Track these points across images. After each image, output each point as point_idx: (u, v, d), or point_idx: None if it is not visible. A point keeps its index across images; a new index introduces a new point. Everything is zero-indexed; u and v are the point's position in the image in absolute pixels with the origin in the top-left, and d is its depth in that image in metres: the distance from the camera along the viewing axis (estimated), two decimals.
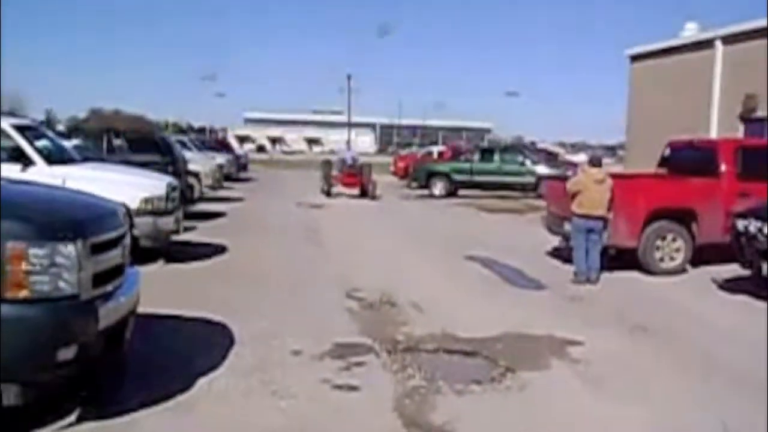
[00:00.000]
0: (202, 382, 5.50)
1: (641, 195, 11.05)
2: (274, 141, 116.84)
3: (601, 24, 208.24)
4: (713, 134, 19.45)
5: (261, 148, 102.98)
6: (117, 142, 15.73)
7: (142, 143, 16.10)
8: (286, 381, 5.62)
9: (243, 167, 35.94)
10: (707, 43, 20.47)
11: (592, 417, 5.18)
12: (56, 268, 4.23)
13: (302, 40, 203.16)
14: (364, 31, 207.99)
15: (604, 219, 10.18)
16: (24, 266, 4.12)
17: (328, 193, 24.65)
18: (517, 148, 35.05)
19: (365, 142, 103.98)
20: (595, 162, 10.67)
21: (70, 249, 4.29)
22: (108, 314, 4.58)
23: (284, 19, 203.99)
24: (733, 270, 10.35)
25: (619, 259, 11.04)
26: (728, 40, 19.76)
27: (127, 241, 5.26)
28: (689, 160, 12.24)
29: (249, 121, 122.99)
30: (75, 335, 4.31)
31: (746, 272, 9.83)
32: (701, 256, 11.25)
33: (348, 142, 33.47)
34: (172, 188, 10.61)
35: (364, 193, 24.68)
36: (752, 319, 8.36)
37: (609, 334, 7.47)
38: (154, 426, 4.66)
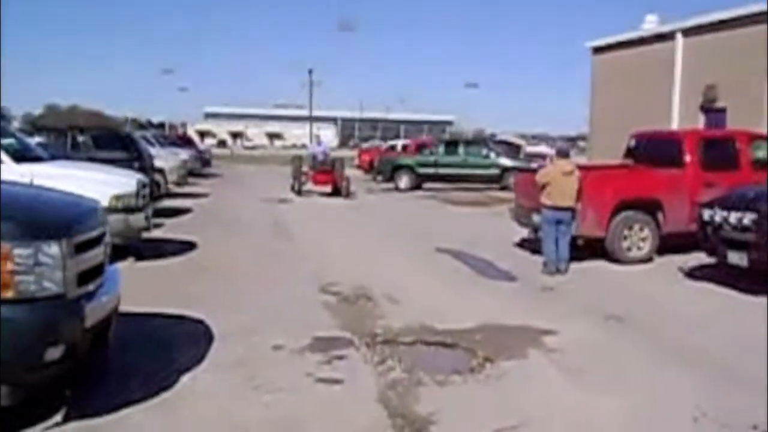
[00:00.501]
0: (185, 378, 5.52)
1: (609, 186, 11.25)
2: (235, 136, 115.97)
3: (560, 16, 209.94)
4: (674, 125, 19.82)
5: (222, 143, 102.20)
6: (81, 138, 15.55)
7: (107, 140, 15.94)
8: (270, 375, 5.66)
9: (206, 163, 35.69)
10: (668, 36, 20.84)
11: (570, 405, 5.30)
12: (41, 268, 4.22)
13: (263, 34, 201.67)
14: (326, 25, 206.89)
15: (572, 210, 10.34)
16: (9, 266, 4.10)
17: (298, 192, 23.13)
18: (481, 140, 35.28)
19: (327, 136, 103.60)
20: (563, 154, 10.82)
21: (54, 248, 4.28)
22: (93, 313, 4.58)
23: (245, 13, 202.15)
24: (697, 258, 10.60)
25: (588, 248, 11.22)
26: (689, 32, 20.14)
27: (108, 239, 5.25)
28: (654, 151, 12.47)
29: (209, 116, 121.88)
30: (62, 334, 4.31)
31: (711, 260, 10.07)
32: (666, 245, 11.47)
33: (318, 137, 31.34)
34: (142, 185, 10.55)
35: (337, 191, 23.03)
36: (719, 307, 8.59)
37: (582, 324, 7.61)
38: (142, 423, 4.67)
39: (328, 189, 23.27)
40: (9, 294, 4.10)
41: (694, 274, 10.26)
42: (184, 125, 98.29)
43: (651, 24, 23.03)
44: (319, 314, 7.83)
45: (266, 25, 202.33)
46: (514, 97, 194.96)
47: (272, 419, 4.81)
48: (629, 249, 11.09)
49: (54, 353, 4.26)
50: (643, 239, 11.12)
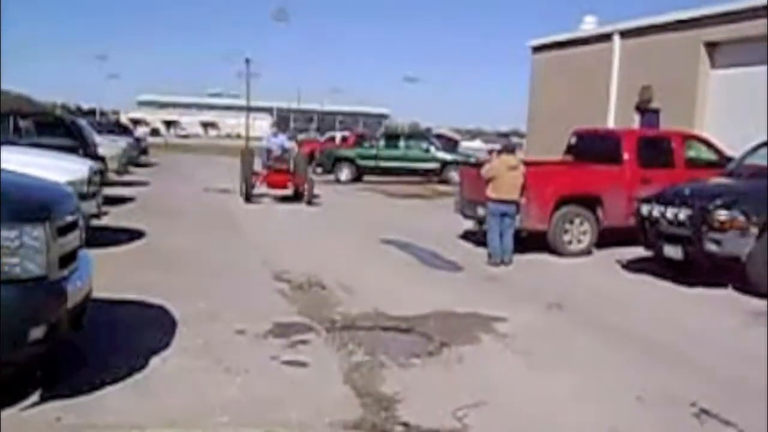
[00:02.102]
0: (155, 361, 5.65)
1: (551, 181, 11.68)
2: (169, 124, 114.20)
3: (499, 15, 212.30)
4: (611, 123, 20.48)
5: (155, 132, 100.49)
6: (23, 124, 15.29)
7: (50, 126, 15.70)
8: (237, 359, 5.83)
9: (143, 151, 35.21)
10: (606, 37, 21.49)
11: (525, 383, 5.68)
12: (25, 250, 4.33)
13: (198, 23, 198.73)
14: (261, 14, 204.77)
15: (516, 203, 10.73)
16: None
17: (247, 198, 18.22)
18: (421, 134, 35.70)
19: (262, 126, 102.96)
20: (509, 149, 11.20)
21: (38, 231, 4.40)
22: (72, 295, 4.70)
23: (180, 1, 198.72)
24: (634, 252, 11.13)
25: (529, 241, 11.63)
26: (626, 34, 20.82)
27: (81, 224, 5.35)
28: (594, 148, 12.98)
29: (142, 104, 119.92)
30: (45, 315, 4.43)
31: (647, 254, 10.59)
32: (605, 239, 11.98)
33: (275, 126, 24.17)
34: (93, 172, 10.53)
35: (297, 195, 18.86)
36: (656, 296, 9.13)
37: (528, 311, 7.99)
38: (120, 402, 4.80)
39: (285, 192, 19.10)
40: None
41: (631, 266, 10.78)
42: (116, 113, 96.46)
43: (590, 25, 23.70)
44: (275, 301, 8.03)
45: (201, 13, 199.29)
46: (449, 92, 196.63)
47: (247, 399, 4.99)
48: (570, 242, 11.55)
49: (37, 333, 4.38)
50: (584, 233, 11.60)
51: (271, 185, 19.00)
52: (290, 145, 20.30)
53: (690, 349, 6.73)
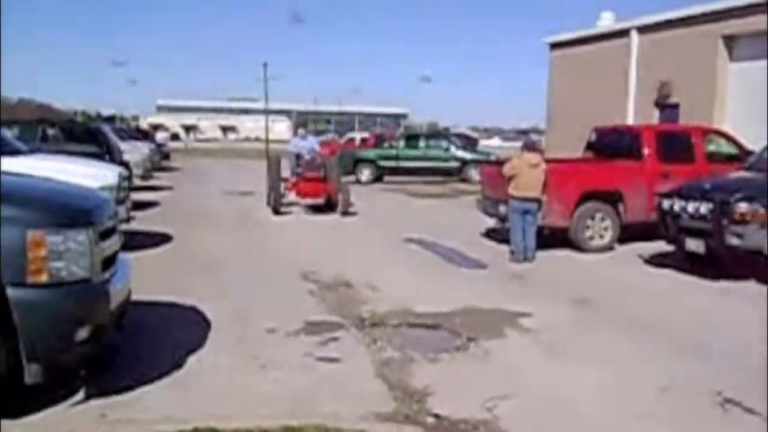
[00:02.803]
0: (192, 359, 5.86)
1: (572, 178, 11.78)
2: (188, 129, 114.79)
3: (514, 11, 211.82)
4: (630, 120, 20.52)
5: (175, 136, 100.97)
6: (51, 132, 15.62)
7: (77, 134, 16.03)
8: (271, 355, 6.03)
9: (165, 156, 35.62)
10: (623, 33, 21.53)
11: (553, 375, 5.81)
12: (71, 254, 4.53)
13: (216, 27, 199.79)
14: (278, 18, 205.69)
15: (538, 201, 10.85)
16: (43, 252, 4.40)
17: (275, 209, 16.18)
18: (441, 134, 35.81)
19: (281, 129, 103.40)
20: (530, 147, 11.31)
21: (82, 235, 4.60)
22: (115, 296, 4.91)
23: (196, 6, 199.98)
24: (655, 247, 11.22)
25: (552, 238, 11.74)
26: (643, 29, 20.85)
27: (120, 228, 5.56)
28: (614, 144, 13.07)
29: (161, 109, 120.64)
30: (90, 316, 4.64)
31: (669, 248, 10.69)
32: (627, 234, 12.06)
33: (303, 129, 21.74)
34: (123, 177, 10.78)
35: (330, 205, 16.51)
36: (679, 290, 9.20)
37: (553, 306, 8.11)
38: (160, 399, 5.00)
39: (317, 201, 16.63)
40: (43, 278, 4.41)
41: (653, 261, 10.86)
42: (136, 118, 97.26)
43: (606, 21, 23.74)
44: (304, 300, 8.21)
45: (218, 18, 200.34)
46: (467, 90, 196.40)
47: (285, 393, 5.18)
48: (592, 238, 11.65)
49: (83, 333, 4.58)
50: (605, 228, 11.70)
51: (303, 194, 16.70)
52: (318, 147, 18.68)
53: (713, 340, 6.83)
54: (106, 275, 4.93)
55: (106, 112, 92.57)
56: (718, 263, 9.70)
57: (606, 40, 22.38)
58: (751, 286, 9.19)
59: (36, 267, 4.38)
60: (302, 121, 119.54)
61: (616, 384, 5.61)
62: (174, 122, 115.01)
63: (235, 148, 71.44)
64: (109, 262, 5.06)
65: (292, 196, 17.00)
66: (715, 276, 9.51)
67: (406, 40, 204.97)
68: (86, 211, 4.82)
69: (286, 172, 17.54)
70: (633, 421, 4.87)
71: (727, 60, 18.41)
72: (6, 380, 4.41)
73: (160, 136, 44.78)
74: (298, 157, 17.60)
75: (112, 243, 5.19)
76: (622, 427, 4.80)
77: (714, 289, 9.13)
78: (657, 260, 10.82)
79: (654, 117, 20.19)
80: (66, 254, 4.50)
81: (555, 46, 25.28)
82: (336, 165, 17.53)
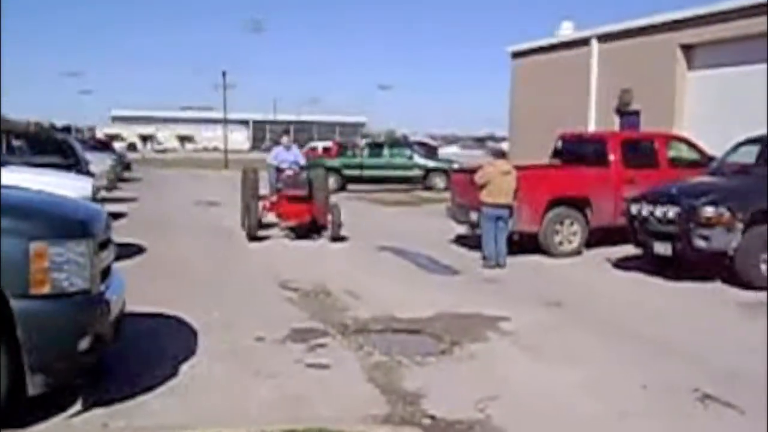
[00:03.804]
0: (185, 368, 5.93)
1: (541, 184, 12.06)
2: (145, 139, 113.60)
3: (472, 20, 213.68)
4: (591, 126, 20.98)
5: (132, 147, 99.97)
6: (16, 143, 15.46)
7: (43, 144, 15.87)
8: (262, 363, 6.14)
9: (127, 167, 35.32)
10: (584, 42, 22.01)
11: (537, 375, 6.03)
12: (72, 265, 4.59)
13: (170, 35, 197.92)
14: (235, 26, 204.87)
15: (510, 207, 11.09)
16: (45, 264, 4.46)
17: (251, 235, 13.47)
18: (404, 142, 36.04)
19: (238, 139, 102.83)
20: (500, 154, 11.54)
21: (83, 247, 4.67)
22: (114, 307, 4.98)
23: (151, 14, 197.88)
24: (621, 251, 11.57)
25: (520, 243, 11.98)
26: (603, 38, 21.35)
27: (113, 240, 5.62)
28: (580, 151, 13.43)
29: (117, 119, 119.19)
30: (91, 326, 4.70)
31: (634, 252, 11.03)
32: (594, 238, 12.38)
33: (286, 137, 16.94)
34: (96, 189, 10.77)
35: (316, 227, 14.16)
36: (648, 292, 9.53)
37: (529, 310, 8.32)
38: (160, 407, 5.07)
39: (302, 221, 14.08)
40: (45, 289, 4.47)
41: (621, 264, 11.19)
42: (91, 129, 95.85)
43: (566, 30, 24.23)
44: (286, 308, 8.33)
45: (174, 26, 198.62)
46: (423, 98, 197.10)
47: (279, 399, 5.30)
48: (561, 243, 11.94)
49: (84, 344, 4.65)
50: (574, 233, 12.00)
51: (284, 216, 14.23)
52: (303, 160, 15.99)
53: (686, 339, 7.12)
54: (104, 286, 5.01)
55: (60, 122, 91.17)
56: (684, 265, 10.02)
57: (567, 48, 22.86)
58: (716, 287, 9.53)
59: (39, 278, 4.44)
60: (260, 130, 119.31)
61: (597, 382, 5.83)
62: (130, 132, 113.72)
63: (194, 158, 70.88)
64: (105, 273, 5.13)
65: (271, 217, 14.66)
66: (682, 277, 9.84)
67: (362, 48, 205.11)
68: (85, 223, 4.89)
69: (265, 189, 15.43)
70: (619, 417, 5.08)
71: (686, 68, 18.95)
72: (9, 391, 4.46)
73: (118, 146, 44.38)
74: (279, 170, 14.88)
75: (108, 254, 5.26)
76: (610, 423, 5.00)
77: (681, 290, 9.45)
78: (624, 264, 11.14)
79: (615, 124, 20.66)
80: (67, 265, 4.56)
81: (517, 54, 25.70)
82: (323, 180, 14.80)
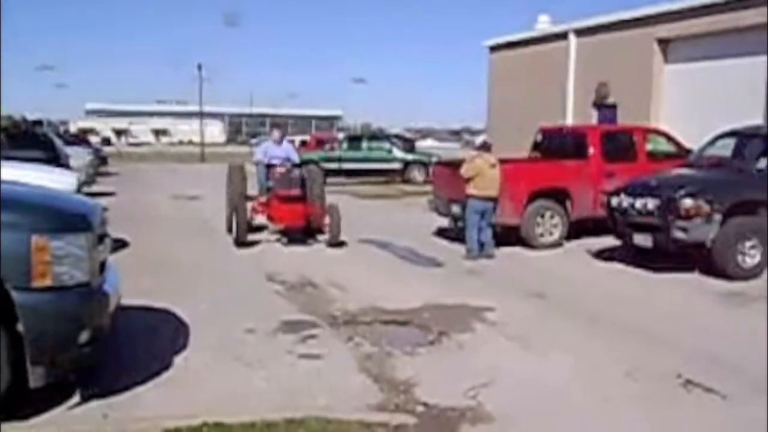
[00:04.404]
0: (178, 360, 6.02)
1: (522, 177, 12.22)
2: (119, 133, 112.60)
3: (447, 13, 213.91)
4: (569, 120, 21.19)
5: (106, 141, 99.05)
6: None
7: (21, 139, 15.81)
8: (254, 354, 6.24)
9: (104, 161, 35.08)
10: (562, 36, 22.21)
11: (524, 363, 6.20)
12: (72, 258, 4.67)
13: (145, 28, 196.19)
14: (210, 19, 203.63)
15: (495, 200, 11.25)
16: (46, 257, 4.53)
17: (238, 240, 12.13)
18: (383, 136, 36.15)
19: (214, 132, 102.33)
20: (487, 147, 11.66)
21: (82, 240, 4.74)
22: (112, 300, 5.06)
23: (126, 7, 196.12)
24: (600, 242, 11.78)
25: (502, 235, 12.12)
26: (581, 32, 21.55)
27: (109, 234, 5.69)
28: (560, 144, 13.61)
29: (91, 113, 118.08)
30: (91, 318, 4.79)
31: (613, 243, 11.25)
32: (574, 230, 12.57)
33: (278, 130, 14.89)
34: (80, 183, 10.78)
35: (311, 230, 12.94)
36: (628, 282, 9.73)
37: (513, 301, 8.49)
38: (157, 399, 5.16)
39: (296, 224, 12.70)
40: (47, 282, 4.54)
41: (601, 255, 11.39)
42: (64, 122, 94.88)
43: (544, 24, 24.42)
44: (274, 301, 8.43)
45: (149, 18, 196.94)
46: (398, 91, 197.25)
47: (274, 389, 5.41)
48: (542, 235, 12.12)
49: (84, 336, 4.73)
50: (555, 226, 12.19)
51: (277, 219, 12.86)
52: (297, 157, 14.36)
53: (667, 328, 7.31)
54: (102, 279, 5.08)
55: (32, 116, 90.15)
56: (663, 256, 10.22)
57: (545, 42, 23.03)
58: (694, 277, 9.75)
59: (40, 271, 4.51)
60: (235, 124, 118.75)
61: (583, 369, 6.00)
62: (104, 126, 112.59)
63: (169, 151, 70.47)
64: (102, 266, 5.20)
65: (260, 218, 13.34)
66: (661, 268, 10.04)
67: (336, 43, 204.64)
68: (84, 217, 4.96)
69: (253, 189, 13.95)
70: (605, 402, 5.25)
71: (662, 62, 19.19)
72: (11, 383, 4.53)
73: (93, 140, 43.97)
74: (269, 167, 13.43)
75: (104, 248, 5.33)
76: (597, 407, 5.17)
77: (661, 281, 9.65)
78: (604, 255, 11.35)
79: (593, 117, 20.88)
80: (67, 258, 4.63)
81: (494, 48, 25.86)
82: (319, 178, 13.68)
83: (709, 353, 6.40)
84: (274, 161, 13.46)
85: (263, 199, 13.32)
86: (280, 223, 12.80)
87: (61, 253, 4.60)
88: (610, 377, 5.79)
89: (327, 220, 12.46)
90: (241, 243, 12.06)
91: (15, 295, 4.43)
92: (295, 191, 12.68)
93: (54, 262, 4.56)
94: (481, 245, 11.22)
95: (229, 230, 12.81)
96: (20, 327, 4.46)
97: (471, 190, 11.20)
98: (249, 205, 12.92)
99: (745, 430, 4.86)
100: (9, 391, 4.56)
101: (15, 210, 4.56)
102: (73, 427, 4.54)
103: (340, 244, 12.30)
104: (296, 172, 13.16)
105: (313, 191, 13.12)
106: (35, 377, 4.57)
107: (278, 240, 12.85)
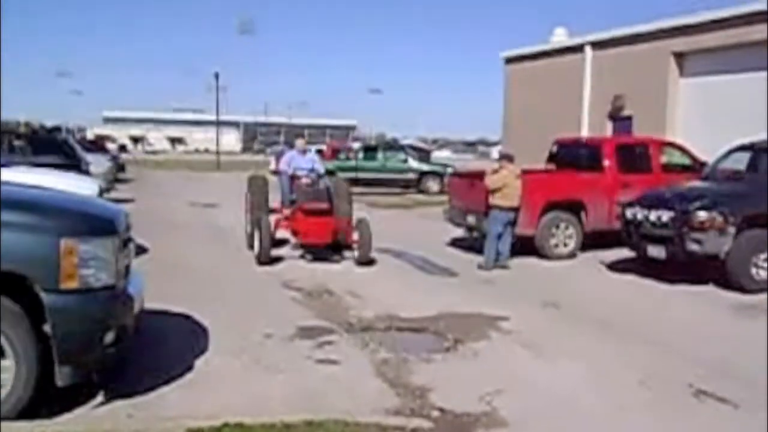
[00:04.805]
0: (198, 363, 6.14)
1: (538, 188, 12.29)
2: (136, 140, 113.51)
3: (463, 25, 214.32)
4: (584, 131, 21.25)
5: (123, 148, 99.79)
6: (17, 143, 15.61)
7: (44, 145, 16.04)
8: (272, 358, 6.36)
9: (121, 168, 35.41)
10: (578, 48, 22.30)
11: (538, 371, 6.29)
12: (98, 261, 4.80)
13: (160, 36, 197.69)
14: (226, 28, 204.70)
15: (518, 210, 11.37)
16: (74, 260, 4.67)
17: (261, 258, 11.21)
18: (398, 146, 36.33)
19: (229, 141, 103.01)
20: (510, 159, 11.76)
21: (109, 244, 4.88)
22: (137, 303, 5.19)
23: (142, 15, 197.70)
24: (615, 254, 11.84)
25: (516, 246, 12.19)
26: (597, 45, 21.65)
27: (133, 239, 5.84)
28: (575, 156, 13.69)
29: (108, 120, 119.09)
30: (117, 320, 4.92)
31: (628, 255, 11.30)
32: (588, 241, 12.63)
33: (301, 140, 14.78)
34: (101, 189, 10.95)
35: (338, 246, 11.97)
36: (641, 293, 9.81)
37: (527, 310, 8.58)
38: (180, 400, 5.28)
39: (322, 240, 11.71)
40: (74, 284, 4.68)
41: (615, 267, 11.45)
42: (82, 129, 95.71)
43: (560, 37, 24.52)
44: (291, 307, 8.55)
45: (165, 27, 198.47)
46: (413, 101, 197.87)
47: (294, 393, 5.52)
48: (556, 246, 12.20)
49: (110, 337, 4.86)
50: (569, 237, 12.26)
51: (303, 234, 11.87)
52: (322, 168, 13.68)
53: (679, 338, 7.38)
54: (127, 282, 5.22)
55: (50, 122, 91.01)
56: (677, 268, 10.28)
57: (561, 54, 23.12)
58: (708, 289, 9.80)
59: (68, 273, 4.64)
60: (251, 132, 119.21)
61: (596, 378, 6.09)
62: (121, 133, 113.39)
63: (185, 159, 70.95)
64: (127, 270, 5.34)
65: (283, 232, 12.40)
66: (674, 280, 10.09)
67: (354, 52, 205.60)
68: (110, 221, 5.10)
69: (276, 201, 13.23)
70: (618, 409, 5.33)
71: (678, 75, 19.24)
72: (38, 382, 4.66)
73: (110, 147, 44.33)
74: (293, 179, 12.80)
75: (129, 252, 5.47)
76: (609, 415, 5.25)
77: (674, 292, 9.71)
78: (618, 266, 11.40)
79: (608, 129, 20.94)
80: (94, 261, 4.77)
81: (510, 60, 25.96)
82: (346, 190, 12.89)
83: (722, 364, 6.47)
84: (299, 172, 12.82)
85: (287, 212, 12.52)
86: (306, 239, 11.83)
87: (88, 256, 4.74)
88: (622, 385, 5.87)
89: (355, 235, 11.59)
90: (263, 262, 11.21)
91: (43, 296, 4.57)
92: (322, 204, 11.82)
93: (81, 264, 4.70)
94: (497, 254, 11.29)
95: (250, 246, 12.12)
96: (47, 327, 4.60)
97: (496, 200, 11.30)
98: (272, 218, 12.10)
99: None
100: (37, 389, 4.68)
101: (44, 214, 4.72)
102: (98, 426, 4.66)
103: (370, 262, 11.51)
104: (322, 183, 12.50)
105: (341, 204, 12.31)
106: (62, 376, 4.70)
107: (302, 256, 12.01)
